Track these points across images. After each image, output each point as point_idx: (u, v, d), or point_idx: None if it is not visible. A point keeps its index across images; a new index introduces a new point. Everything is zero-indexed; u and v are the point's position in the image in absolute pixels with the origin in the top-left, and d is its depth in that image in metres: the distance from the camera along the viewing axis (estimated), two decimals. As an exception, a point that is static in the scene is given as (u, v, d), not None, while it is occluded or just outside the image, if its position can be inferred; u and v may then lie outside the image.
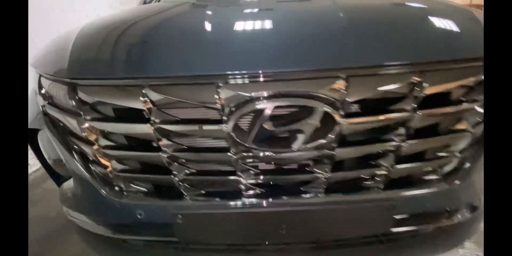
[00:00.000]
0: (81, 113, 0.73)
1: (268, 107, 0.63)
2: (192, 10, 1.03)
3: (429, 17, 0.77)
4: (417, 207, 0.79)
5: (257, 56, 0.66)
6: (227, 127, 0.65)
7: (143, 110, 0.68)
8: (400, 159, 0.72)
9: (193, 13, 0.99)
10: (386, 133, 0.70)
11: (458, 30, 0.72)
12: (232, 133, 0.65)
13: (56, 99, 0.80)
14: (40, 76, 0.83)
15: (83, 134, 0.75)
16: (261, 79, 0.64)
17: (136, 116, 0.72)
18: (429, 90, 0.65)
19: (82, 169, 0.81)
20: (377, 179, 0.74)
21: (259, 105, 0.63)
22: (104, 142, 0.76)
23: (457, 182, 0.77)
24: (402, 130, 0.68)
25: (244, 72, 0.63)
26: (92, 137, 0.75)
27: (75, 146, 0.80)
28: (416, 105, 0.66)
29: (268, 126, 0.64)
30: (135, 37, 0.79)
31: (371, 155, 0.73)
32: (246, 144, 0.66)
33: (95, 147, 0.76)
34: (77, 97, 0.73)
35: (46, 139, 0.89)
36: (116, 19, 0.95)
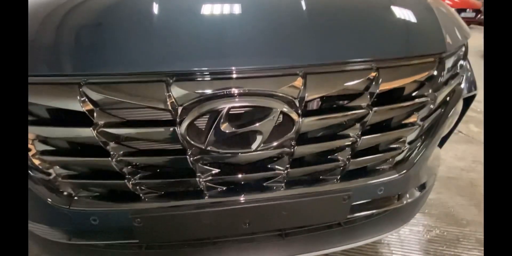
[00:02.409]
0: None
1: (224, 107, 0.59)
2: None
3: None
4: (371, 194, 0.84)
5: (215, 51, 0.59)
6: (180, 129, 0.61)
7: (83, 112, 0.60)
8: (356, 153, 0.74)
9: None
10: (344, 129, 0.70)
11: (416, 26, 0.71)
12: (186, 136, 0.61)
13: None
14: None
15: None
16: (219, 76, 0.59)
17: (75, 118, 0.64)
18: (385, 86, 0.65)
19: None
20: (334, 171, 0.76)
21: (215, 106, 0.59)
22: (41, 147, 0.67)
23: (405, 171, 0.81)
24: (358, 126, 0.69)
25: (199, 69, 0.58)
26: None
27: None
28: (371, 102, 0.66)
29: (224, 128, 0.61)
30: (65, 21, 0.66)
31: (329, 150, 0.74)
32: (202, 147, 0.63)
33: (31, 152, 0.67)
34: None
35: None
36: None
